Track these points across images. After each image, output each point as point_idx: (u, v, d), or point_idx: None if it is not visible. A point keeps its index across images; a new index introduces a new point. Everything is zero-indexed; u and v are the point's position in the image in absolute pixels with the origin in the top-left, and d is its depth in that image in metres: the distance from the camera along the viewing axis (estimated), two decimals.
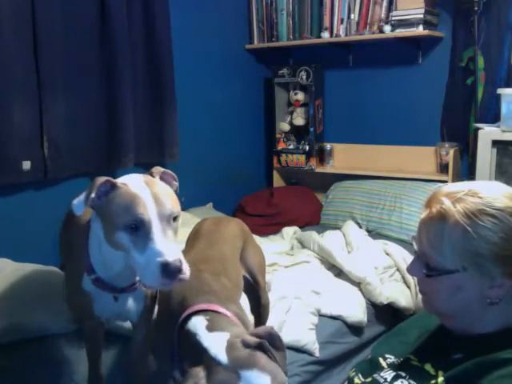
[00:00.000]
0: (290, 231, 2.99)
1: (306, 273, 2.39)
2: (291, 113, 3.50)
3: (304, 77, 3.33)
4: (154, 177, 1.21)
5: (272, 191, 3.45)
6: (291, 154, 3.48)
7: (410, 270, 1.07)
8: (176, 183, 1.27)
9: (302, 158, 3.44)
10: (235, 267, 1.58)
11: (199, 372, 1.03)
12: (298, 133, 3.51)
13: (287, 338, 1.88)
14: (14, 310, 1.82)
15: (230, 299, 1.31)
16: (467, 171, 3.02)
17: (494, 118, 2.81)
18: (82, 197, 1.16)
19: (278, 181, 3.67)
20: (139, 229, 1.10)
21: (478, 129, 2.67)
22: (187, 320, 1.19)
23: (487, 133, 2.59)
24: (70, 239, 1.41)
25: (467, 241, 0.95)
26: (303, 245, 2.74)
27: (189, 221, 2.53)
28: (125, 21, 2.56)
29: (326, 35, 3.27)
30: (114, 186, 1.15)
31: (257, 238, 2.79)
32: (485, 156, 2.58)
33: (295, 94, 3.42)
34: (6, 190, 2.26)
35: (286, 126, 3.49)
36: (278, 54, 3.65)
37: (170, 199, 1.16)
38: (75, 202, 1.16)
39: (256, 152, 3.70)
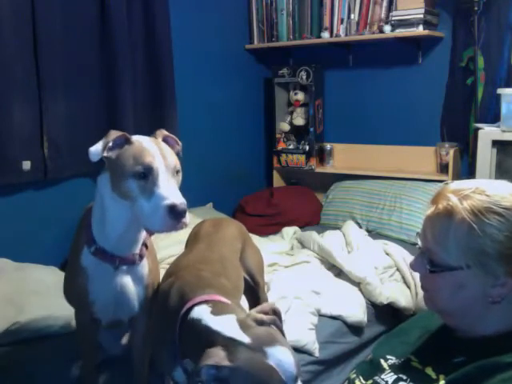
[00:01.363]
0: (290, 231, 2.99)
1: (306, 273, 2.39)
2: (291, 113, 3.50)
3: (304, 77, 3.33)
4: (157, 138, 1.35)
5: (272, 191, 3.44)
6: (291, 154, 3.48)
7: (414, 265, 1.07)
8: (178, 146, 1.41)
9: (302, 158, 3.44)
10: (235, 269, 1.58)
11: (218, 352, 1.01)
12: (298, 133, 3.51)
13: (287, 337, 1.88)
14: (14, 310, 1.82)
15: (229, 296, 1.30)
16: (467, 171, 3.02)
17: (494, 117, 2.81)
18: (98, 145, 1.27)
19: (278, 181, 3.67)
20: (147, 176, 1.22)
21: (477, 129, 2.67)
22: (189, 312, 1.18)
23: (487, 133, 2.59)
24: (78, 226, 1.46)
25: (472, 238, 0.95)
26: (303, 245, 2.74)
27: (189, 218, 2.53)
28: (125, 21, 2.56)
29: (326, 35, 3.27)
30: (128, 140, 1.29)
31: (257, 237, 2.79)
32: (485, 156, 2.58)
33: (295, 94, 3.42)
34: (6, 189, 2.26)
35: (285, 126, 3.49)
36: (278, 54, 3.65)
37: (173, 155, 1.31)
38: (92, 149, 1.27)
39: (256, 152, 3.70)
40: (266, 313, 1.10)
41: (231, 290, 1.40)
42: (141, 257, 1.41)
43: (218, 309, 1.15)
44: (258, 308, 1.14)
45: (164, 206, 1.18)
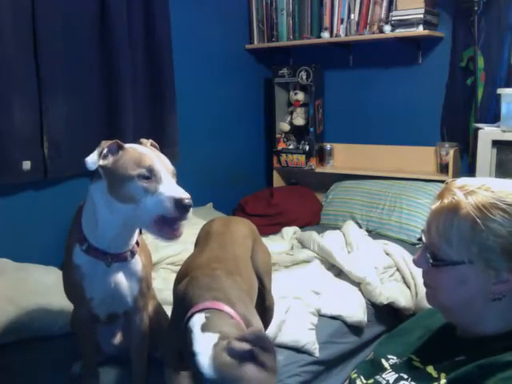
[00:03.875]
0: (290, 231, 2.99)
1: (306, 273, 2.39)
2: (291, 113, 3.50)
3: (304, 77, 3.33)
4: (145, 145, 1.41)
5: (272, 191, 3.44)
6: (291, 154, 3.48)
7: (416, 261, 1.07)
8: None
9: (302, 158, 3.44)
10: (248, 268, 1.57)
11: (183, 379, 1.04)
12: (298, 133, 3.51)
13: (287, 338, 1.88)
14: (15, 310, 1.82)
15: (241, 299, 1.29)
16: (467, 171, 3.02)
17: (493, 117, 2.81)
18: (93, 154, 1.29)
19: (278, 181, 3.67)
20: (150, 178, 1.27)
21: (478, 129, 2.67)
22: (191, 318, 1.19)
23: (487, 133, 2.60)
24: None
25: (476, 233, 0.95)
26: (303, 245, 2.74)
27: (189, 221, 2.53)
28: (125, 21, 2.55)
29: (326, 35, 3.27)
30: (121, 147, 1.32)
31: None
32: (485, 156, 2.58)
33: (295, 93, 3.42)
34: (6, 189, 2.26)
35: (285, 126, 3.49)
36: (278, 54, 3.65)
37: (167, 159, 1.36)
38: (88, 158, 1.29)
39: (256, 152, 3.70)
40: (247, 340, 1.04)
41: (245, 289, 1.39)
42: (132, 253, 1.45)
43: (210, 321, 1.15)
44: (242, 334, 1.09)
45: (171, 198, 1.24)
